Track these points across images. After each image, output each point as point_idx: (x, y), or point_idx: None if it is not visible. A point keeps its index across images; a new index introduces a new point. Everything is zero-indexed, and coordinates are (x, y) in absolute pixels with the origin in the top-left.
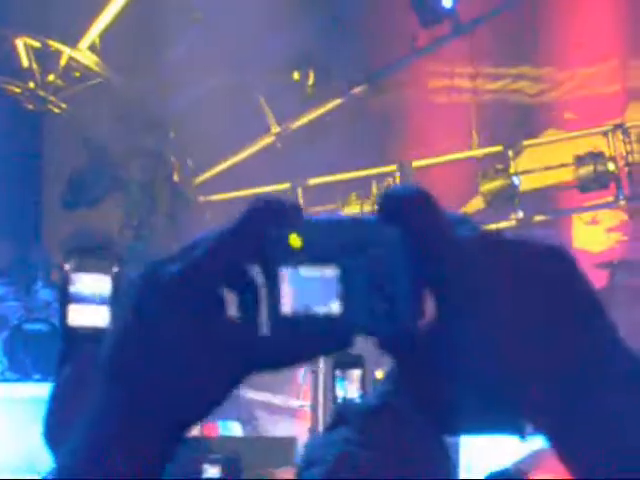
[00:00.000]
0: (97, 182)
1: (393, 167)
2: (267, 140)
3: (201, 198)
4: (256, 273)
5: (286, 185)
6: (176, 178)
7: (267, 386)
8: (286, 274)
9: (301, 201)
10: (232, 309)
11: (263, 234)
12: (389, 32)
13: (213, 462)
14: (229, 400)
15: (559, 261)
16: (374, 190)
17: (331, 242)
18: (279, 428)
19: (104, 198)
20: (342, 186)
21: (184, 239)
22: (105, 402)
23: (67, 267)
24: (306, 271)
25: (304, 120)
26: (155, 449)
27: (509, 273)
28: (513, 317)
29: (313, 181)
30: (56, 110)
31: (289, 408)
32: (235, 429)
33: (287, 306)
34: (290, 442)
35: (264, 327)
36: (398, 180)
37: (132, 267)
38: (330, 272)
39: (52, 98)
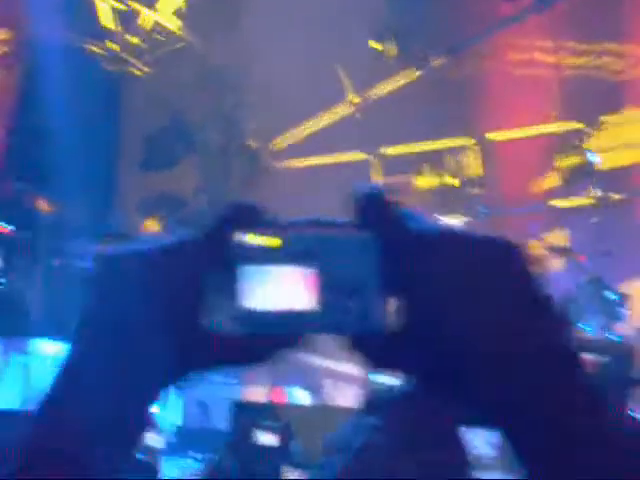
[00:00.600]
0: (174, 145)
1: (470, 140)
2: (345, 109)
3: (277, 165)
4: (218, 273)
5: (363, 155)
6: (252, 144)
7: (333, 354)
8: (253, 272)
9: (378, 171)
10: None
11: (228, 236)
12: (471, 3)
13: (266, 429)
14: (296, 367)
15: (508, 253)
16: (449, 162)
17: (308, 242)
18: (345, 397)
19: (180, 161)
20: (418, 157)
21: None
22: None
23: None
24: (281, 270)
25: (383, 90)
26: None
27: (461, 263)
28: (466, 305)
29: (390, 151)
30: (137, 73)
31: (355, 377)
32: (302, 397)
33: (247, 304)
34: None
35: (221, 324)
36: (475, 153)
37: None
38: (306, 271)
39: (135, 61)
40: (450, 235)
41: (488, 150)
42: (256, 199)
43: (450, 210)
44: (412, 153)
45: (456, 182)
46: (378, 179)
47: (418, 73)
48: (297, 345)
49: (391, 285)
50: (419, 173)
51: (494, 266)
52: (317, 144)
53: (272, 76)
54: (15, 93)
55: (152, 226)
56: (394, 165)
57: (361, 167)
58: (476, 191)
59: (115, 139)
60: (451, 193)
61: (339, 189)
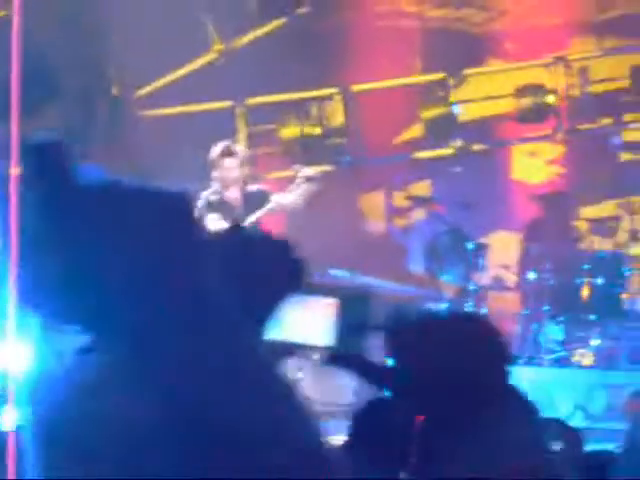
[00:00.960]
0: (34, 90)
1: (334, 90)
2: (210, 57)
3: (142, 112)
4: None
5: (226, 103)
6: (115, 91)
7: None
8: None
9: (242, 120)
10: None
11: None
12: None
13: None
14: None
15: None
16: (314, 112)
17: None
18: None
19: (41, 108)
20: (282, 107)
21: (123, 152)
22: None
23: None
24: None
25: (247, 39)
26: None
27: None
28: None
29: (253, 100)
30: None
31: None
32: None
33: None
34: None
35: None
36: (339, 104)
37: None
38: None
39: None
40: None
41: (352, 100)
42: (121, 148)
43: (314, 159)
44: (277, 103)
45: (319, 131)
46: (242, 128)
47: (282, 22)
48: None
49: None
50: (283, 123)
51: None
52: (182, 92)
53: (138, 21)
54: None
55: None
56: (259, 115)
57: (226, 116)
58: (339, 141)
59: None
60: (315, 143)
61: (203, 139)
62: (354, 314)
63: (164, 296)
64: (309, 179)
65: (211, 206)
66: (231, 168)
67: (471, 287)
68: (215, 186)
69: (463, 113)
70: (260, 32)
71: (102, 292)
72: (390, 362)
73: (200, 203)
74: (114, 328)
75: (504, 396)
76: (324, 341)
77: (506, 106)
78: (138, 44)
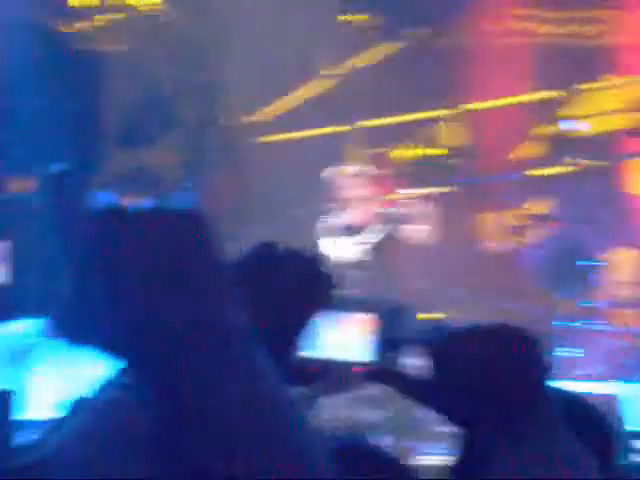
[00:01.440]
0: (152, 121)
1: (447, 110)
2: (322, 81)
3: (254, 139)
4: None
5: (340, 128)
6: (228, 119)
7: None
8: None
9: (356, 143)
10: None
11: None
12: None
13: None
14: None
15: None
16: (432, 133)
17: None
18: None
19: (159, 138)
20: (397, 129)
21: (236, 179)
22: None
23: None
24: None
25: (360, 62)
26: None
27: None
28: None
29: (367, 123)
30: (111, 49)
31: None
32: None
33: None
34: None
35: None
36: (453, 124)
37: (178, 199)
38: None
39: (107, 35)
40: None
41: (467, 120)
42: (235, 175)
43: (430, 181)
44: (391, 125)
45: (435, 152)
46: (357, 152)
47: (397, 45)
48: None
49: None
50: (398, 145)
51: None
52: (294, 118)
53: (248, 50)
54: None
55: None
56: (373, 137)
57: (339, 140)
58: (456, 161)
59: (92, 117)
60: (430, 164)
61: (316, 163)
62: (392, 329)
63: (186, 323)
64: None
65: (333, 229)
66: (357, 188)
67: (589, 304)
68: (338, 209)
69: (580, 129)
70: (374, 55)
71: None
72: (429, 376)
73: (321, 226)
74: (142, 359)
75: (542, 409)
76: (362, 357)
77: (624, 121)
78: (250, 70)
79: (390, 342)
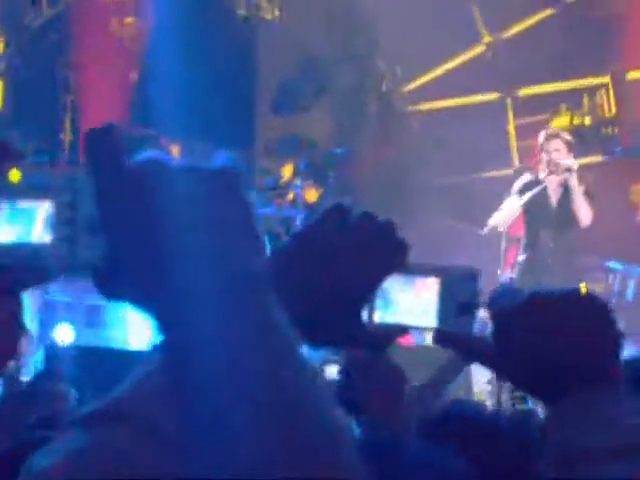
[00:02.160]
0: (307, 87)
1: (606, 79)
2: (478, 49)
3: (409, 107)
4: None
5: (495, 95)
6: (385, 85)
7: None
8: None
9: (511, 112)
10: None
11: None
12: None
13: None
14: None
15: None
16: (585, 102)
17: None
18: None
19: (313, 104)
20: (553, 97)
21: (391, 148)
22: None
23: None
24: (22, 204)
25: (515, 30)
26: None
27: None
28: None
29: (523, 92)
30: (268, 16)
31: None
32: None
33: None
34: None
35: None
36: (611, 92)
37: (332, 172)
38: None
39: (265, 4)
40: None
41: (624, 89)
42: (387, 141)
43: (586, 150)
44: (547, 93)
45: (590, 121)
46: (512, 120)
47: (551, 11)
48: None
49: None
50: (555, 113)
51: None
52: (450, 84)
53: (403, 16)
54: (147, 37)
55: (288, 170)
56: (529, 106)
57: (497, 108)
58: (611, 130)
59: (249, 83)
60: (587, 133)
61: (472, 132)
62: (459, 293)
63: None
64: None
65: (527, 188)
66: (556, 150)
67: None
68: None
69: None
70: (529, 22)
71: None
72: (495, 340)
73: (516, 186)
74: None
75: (610, 381)
76: (430, 321)
77: None
78: (405, 38)
79: (459, 306)
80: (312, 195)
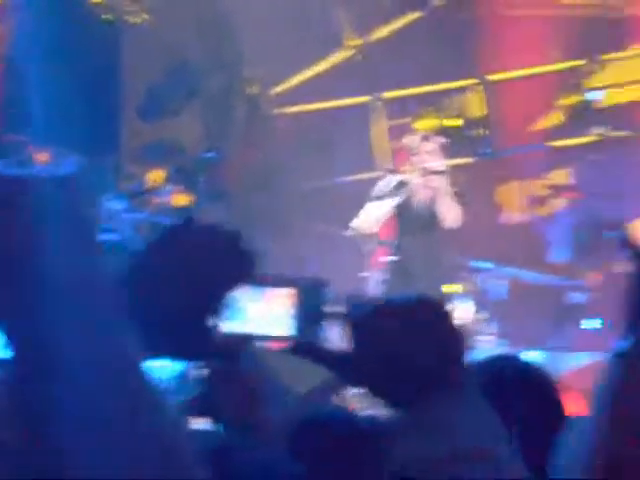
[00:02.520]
0: (176, 93)
1: (473, 80)
2: (346, 52)
3: (276, 110)
4: None
5: (364, 98)
6: (253, 89)
7: None
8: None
9: (379, 114)
10: None
11: None
12: None
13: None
14: None
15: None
16: (455, 104)
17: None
18: None
19: (181, 109)
20: (420, 100)
21: (259, 151)
22: None
23: None
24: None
25: (383, 33)
26: None
27: None
28: None
29: (392, 94)
30: (137, 20)
31: None
32: None
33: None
34: None
35: None
36: (480, 94)
37: (204, 177)
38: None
39: (132, 8)
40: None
41: (491, 91)
42: (255, 145)
43: (453, 152)
44: (414, 96)
45: (458, 123)
46: (380, 122)
47: (418, 14)
48: None
49: None
50: (424, 116)
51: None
52: (318, 89)
53: (271, 21)
54: (10, 42)
55: (158, 176)
56: (396, 108)
57: (366, 110)
58: (478, 132)
59: (114, 89)
60: (456, 135)
61: (339, 135)
62: (312, 303)
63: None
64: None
65: (394, 190)
66: (431, 153)
67: (613, 276)
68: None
69: (603, 100)
70: (396, 25)
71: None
72: (349, 350)
73: (381, 187)
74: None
75: (458, 384)
76: (281, 331)
77: None
78: (273, 42)
79: (311, 316)
80: (183, 200)
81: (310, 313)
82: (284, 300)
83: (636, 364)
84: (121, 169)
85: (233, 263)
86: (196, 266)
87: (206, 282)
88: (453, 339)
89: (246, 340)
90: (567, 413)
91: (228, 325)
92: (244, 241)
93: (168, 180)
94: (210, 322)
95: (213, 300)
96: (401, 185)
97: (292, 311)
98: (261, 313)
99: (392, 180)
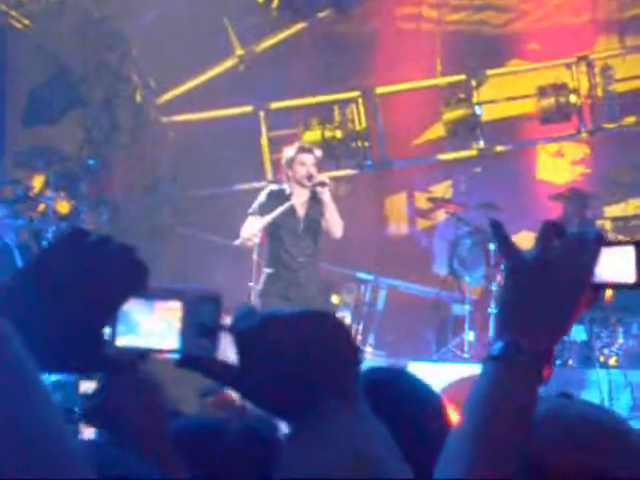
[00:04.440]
0: (57, 99)
1: (356, 93)
2: (231, 62)
3: (163, 118)
4: None
5: (248, 108)
6: (138, 97)
7: None
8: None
9: (264, 124)
10: None
11: None
12: None
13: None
14: None
15: None
16: (336, 116)
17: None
18: None
19: (64, 115)
20: (304, 111)
21: (145, 158)
22: None
23: None
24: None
25: (268, 43)
26: None
27: None
28: None
29: (275, 105)
30: (18, 25)
31: None
32: None
33: None
34: None
35: None
36: (361, 107)
37: (86, 184)
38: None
39: (13, 13)
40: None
41: (375, 103)
42: (142, 153)
43: (338, 163)
44: (299, 106)
45: (342, 135)
46: (265, 133)
47: (303, 25)
48: None
49: None
50: (306, 127)
51: None
52: (205, 98)
53: (156, 29)
54: None
55: (38, 181)
56: (281, 119)
57: (251, 120)
58: (362, 144)
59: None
60: (338, 146)
61: (226, 143)
62: (200, 315)
63: None
64: (323, 184)
65: (273, 200)
66: (308, 164)
67: (493, 288)
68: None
69: (485, 114)
70: (282, 36)
71: None
72: (238, 362)
73: (261, 198)
74: None
75: (347, 397)
76: (171, 344)
77: (529, 106)
78: (160, 50)
79: (199, 328)
80: (64, 207)
81: (198, 325)
82: (175, 313)
83: (506, 367)
84: (5, 174)
85: (123, 276)
86: (86, 278)
87: (95, 295)
88: (344, 349)
89: (137, 354)
90: (448, 425)
91: (119, 338)
92: (134, 253)
93: (48, 186)
94: (101, 335)
95: (103, 314)
96: (281, 196)
97: (181, 324)
98: (152, 326)
99: (273, 191)
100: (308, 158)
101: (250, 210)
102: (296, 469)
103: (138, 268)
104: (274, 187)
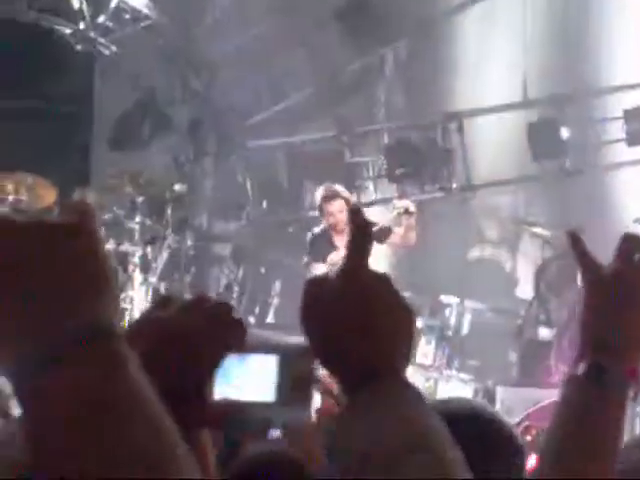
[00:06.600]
0: (144, 123)
1: (439, 116)
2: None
3: (249, 143)
4: None
5: (330, 132)
6: (223, 122)
7: None
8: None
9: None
10: None
11: None
12: None
13: None
14: None
15: None
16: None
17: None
18: None
19: (151, 140)
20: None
21: (229, 182)
22: None
23: None
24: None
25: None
26: None
27: None
28: None
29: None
30: (106, 52)
31: None
32: None
33: None
34: None
35: None
36: (446, 129)
37: (172, 208)
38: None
39: (101, 39)
40: None
41: (459, 125)
42: (226, 176)
43: (421, 187)
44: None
45: (425, 158)
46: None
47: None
48: None
49: None
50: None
51: None
52: (286, 122)
53: (244, 53)
54: None
55: (125, 207)
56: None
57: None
58: (447, 167)
59: (87, 120)
60: (422, 170)
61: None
62: (295, 368)
63: None
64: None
65: (318, 245)
66: (335, 213)
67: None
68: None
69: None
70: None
71: None
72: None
73: (308, 245)
74: None
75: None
76: (267, 397)
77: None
78: (245, 75)
79: (294, 382)
80: (150, 231)
81: (294, 379)
82: (270, 366)
83: (590, 388)
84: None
85: (222, 333)
86: (183, 338)
87: (195, 353)
88: (404, 321)
89: (234, 408)
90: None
91: (217, 393)
92: (232, 310)
93: (135, 211)
94: (204, 394)
95: (205, 371)
96: (324, 239)
97: (276, 377)
98: (248, 380)
99: (315, 236)
100: (334, 206)
101: (305, 259)
102: (351, 438)
103: (236, 325)
104: (317, 230)
